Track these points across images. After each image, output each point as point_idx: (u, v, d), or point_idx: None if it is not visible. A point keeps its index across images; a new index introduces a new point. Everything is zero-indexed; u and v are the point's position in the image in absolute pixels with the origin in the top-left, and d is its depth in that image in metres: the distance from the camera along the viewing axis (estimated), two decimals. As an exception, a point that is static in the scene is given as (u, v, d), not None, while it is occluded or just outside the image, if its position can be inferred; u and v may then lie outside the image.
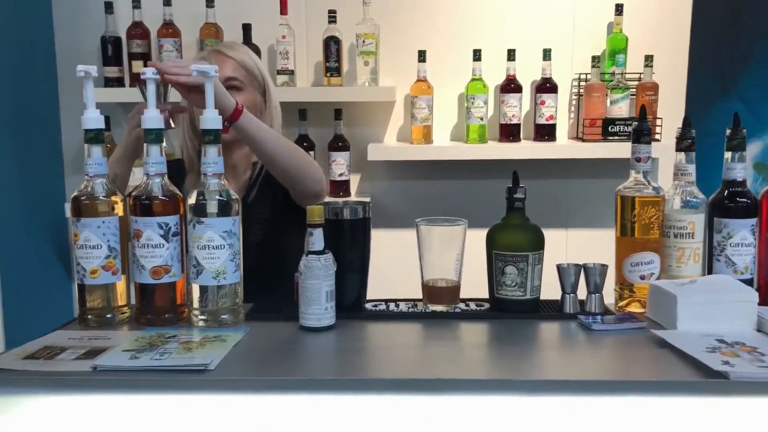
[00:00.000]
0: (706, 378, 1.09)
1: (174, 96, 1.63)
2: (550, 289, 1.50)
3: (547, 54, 2.67)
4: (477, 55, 2.65)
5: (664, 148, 2.26)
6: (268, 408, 1.15)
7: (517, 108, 2.68)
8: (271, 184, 1.77)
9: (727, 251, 1.46)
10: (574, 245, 2.80)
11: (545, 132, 2.70)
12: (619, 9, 2.67)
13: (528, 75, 2.72)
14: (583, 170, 2.80)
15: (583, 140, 2.69)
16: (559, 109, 2.72)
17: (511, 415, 1.13)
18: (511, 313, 1.43)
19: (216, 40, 2.63)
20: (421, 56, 2.66)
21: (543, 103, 2.68)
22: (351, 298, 1.46)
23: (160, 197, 1.36)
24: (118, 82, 2.70)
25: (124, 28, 2.69)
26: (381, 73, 2.71)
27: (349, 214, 1.45)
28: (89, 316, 1.39)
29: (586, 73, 2.72)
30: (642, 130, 1.46)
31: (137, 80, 1.49)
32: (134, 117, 1.62)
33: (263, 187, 1.85)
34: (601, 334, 1.34)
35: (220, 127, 1.37)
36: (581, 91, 2.74)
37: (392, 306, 1.51)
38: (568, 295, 1.46)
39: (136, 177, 1.64)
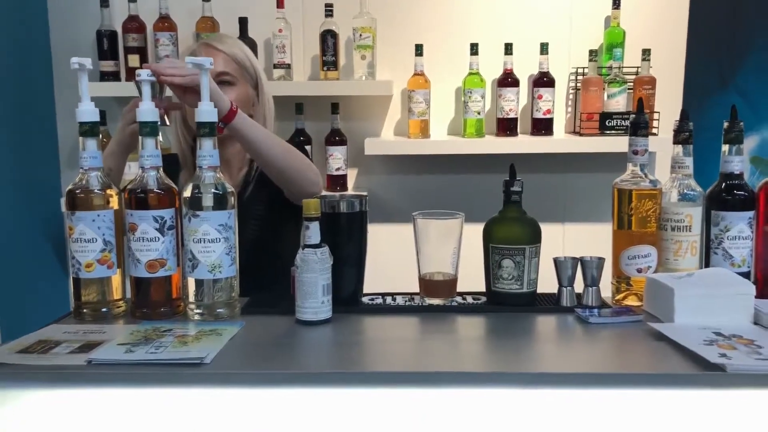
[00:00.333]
0: (703, 371, 1.09)
1: (168, 92, 1.62)
2: (547, 283, 1.49)
3: (544, 48, 2.66)
4: (474, 49, 2.65)
5: (661, 142, 2.27)
6: (264, 402, 1.14)
7: (515, 102, 2.68)
8: (267, 181, 1.76)
9: (725, 244, 1.46)
10: (571, 239, 2.80)
11: (542, 126, 2.70)
12: (616, 3, 2.66)
13: (525, 69, 2.72)
14: (580, 164, 2.79)
15: (580, 134, 2.68)
16: (557, 104, 2.72)
17: (508, 408, 1.13)
18: (508, 306, 1.43)
19: (212, 34, 2.62)
20: (418, 50, 2.66)
21: (540, 97, 2.68)
22: (348, 292, 1.46)
23: (155, 190, 1.35)
24: (114, 77, 2.69)
25: (120, 22, 2.68)
26: (378, 67, 2.70)
27: (345, 208, 1.44)
28: (84, 310, 1.38)
29: (584, 67, 2.71)
30: (639, 123, 1.45)
31: (134, 75, 1.48)
32: (129, 113, 1.61)
33: (259, 183, 1.84)
34: (598, 327, 1.33)
35: (215, 119, 1.36)
36: (578, 85, 2.74)
37: (389, 299, 1.51)
38: (565, 289, 1.46)
39: (132, 171, 1.64)
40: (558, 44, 2.71)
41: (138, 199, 1.35)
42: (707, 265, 1.49)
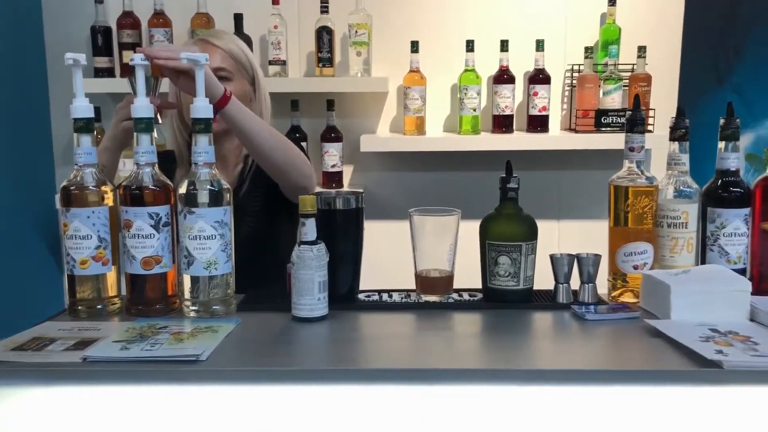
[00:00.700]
0: (699, 367, 1.09)
1: (163, 88, 1.61)
2: (543, 280, 1.49)
3: (540, 45, 2.66)
4: (470, 45, 2.64)
5: (657, 139, 2.27)
6: (260, 399, 1.14)
7: (510, 99, 2.68)
8: (262, 178, 1.76)
9: (721, 241, 1.46)
10: (567, 236, 2.80)
11: (538, 123, 2.70)
12: (612, 0, 2.66)
13: (521, 66, 2.72)
14: (575, 161, 2.79)
15: (576, 131, 2.69)
16: (552, 100, 2.72)
17: (504, 405, 1.13)
18: (505, 303, 1.43)
19: (209, 30, 2.61)
20: (414, 47, 2.65)
21: (536, 94, 2.68)
22: (344, 289, 1.45)
23: (150, 187, 1.35)
24: (109, 73, 2.68)
25: (115, 18, 2.67)
26: (374, 63, 2.70)
27: (341, 204, 1.44)
28: (79, 307, 1.37)
29: (579, 64, 2.72)
30: (636, 120, 1.45)
31: (127, 72, 1.47)
32: (123, 109, 1.60)
33: (255, 180, 1.84)
34: (595, 324, 1.33)
35: (211, 115, 1.36)
36: (574, 82, 2.74)
37: (385, 296, 1.50)
38: (561, 285, 1.46)
39: (126, 168, 1.63)
40: (554, 41, 2.71)
41: (133, 195, 1.34)
42: (703, 262, 1.49)
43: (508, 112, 2.68)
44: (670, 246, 1.47)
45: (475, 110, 2.67)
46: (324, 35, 2.63)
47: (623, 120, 2.61)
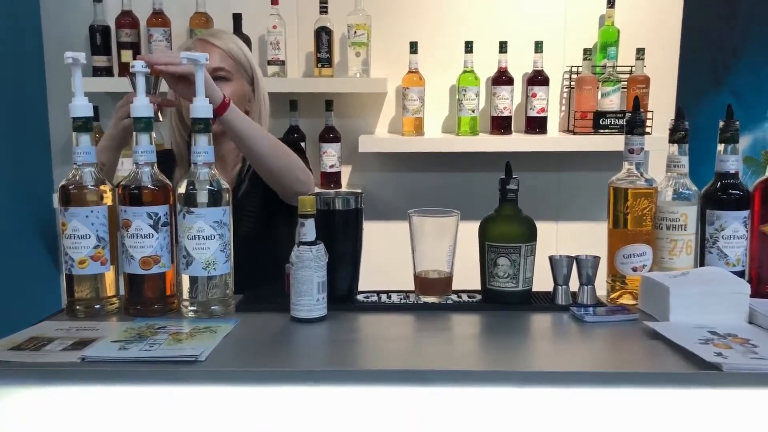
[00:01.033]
0: (698, 369, 1.09)
1: (163, 87, 1.61)
2: (542, 282, 1.49)
3: (538, 46, 2.66)
4: (469, 47, 2.64)
5: (655, 141, 2.26)
6: (259, 399, 1.14)
7: (509, 100, 2.68)
8: (261, 178, 1.75)
9: (720, 243, 1.46)
10: (565, 238, 2.80)
11: (536, 124, 2.70)
12: (610, 2, 2.66)
13: (519, 67, 2.72)
14: (573, 163, 2.80)
15: (574, 133, 2.69)
16: (551, 102, 2.72)
17: (503, 406, 1.13)
18: (504, 304, 1.43)
19: (208, 29, 2.60)
20: (413, 48, 2.65)
21: (534, 95, 2.68)
22: (343, 290, 1.45)
23: (149, 186, 1.34)
24: (107, 72, 2.67)
25: (113, 17, 2.66)
26: (372, 64, 2.70)
27: (341, 205, 1.44)
28: (77, 307, 1.37)
29: (578, 66, 2.72)
30: (635, 122, 1.45)
31: (127, 70, 1.47)
32: (122, 108, 1.60)
33: (253, 180, 1.83)
34: (594, 326, 1.33)
35: (211, 115, 1.35)
36: (572, 83, 2.74)
37: (384, 297, 1.50)
38: (560, 287, 1.46)
39: (125, 167, 1.62)
40: (552, 43, 2.71)
41: (132, 195, 1.34)
42: (702, 264, 1.49)
43: (506, 113, 2.68)
44: (669, 248, 1.47)
45: (473, 111, 2.67)
46: (323, 35, 2.62)
47: (621, 122, 2.61)
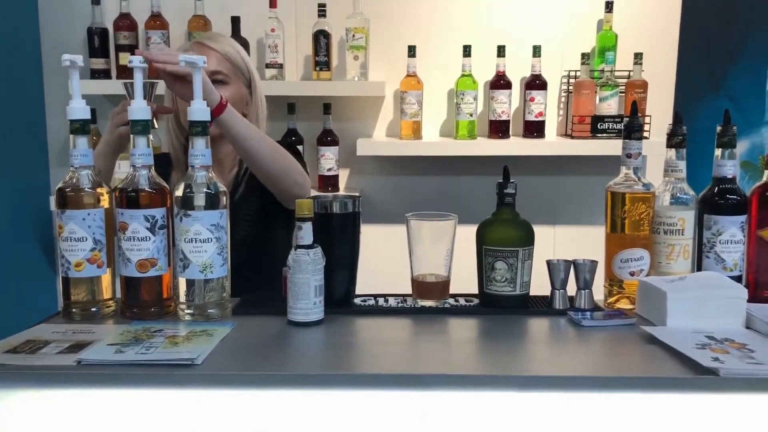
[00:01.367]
0: (695, 374, 1.09)
1: (159, 91, 1.61)
2: (540, 286, 1.49)
3: (536, 51, 2.67)
4: (467, 51, 2.65)
5: (653, 146, 2.26)
6: (255, 403, 1.13)
7: (507, 104, 2.68)
8: (258, 181, 1.75)
9: (717, 248, 1.46)
10: (562, 242, 2.81)
11: (534, 129, 2.70)
12: (608, 6, 2.67)
13: (517, 71, 2.72)
14: (571, 167, 2.80)
15: (572, 137, 2.69)
16: (549, 106, 2.72)
17: (500, 410, 1.13)
18: (501, 308, 1.43)
19: (205, 32, 2.60)
20: (411, 51, 2.66)
21: (532, 99, 2.68)
22: (340, 293, 1.45)
23: (146, 189, 1.34)
24: (105, 74, 2.67)
25: (111, 20, 2.66)
26: (370, 67, 2.70)
27: (338, 208, 1.44)
28: (74, 310, 1.37)
29: (576, 70, 2.72)
30: (633, 126, 1.45)
31: (125, 73, 1.47)
32: (118, 115, 1.59)
33: (250, 183, 1.83)
34: (591, 330, 1.33)
35: (208, 118, 1.35)
36: (570, 88, 2.74)
37: (381, 301, 1.50)
38: (557, 291, 1.46)
39: (122, 170, 1.62)
40: (550, 47, 2.72)
41: (129, 198, 1.33)
42: (699, 268, 1.49)
43: (504, 117, 2.69)
44: (667, 253, 1.47)
45: (471, 115, 2.67)
46: (321, 39, 2.63)
47: (619, 126, 2.61)
